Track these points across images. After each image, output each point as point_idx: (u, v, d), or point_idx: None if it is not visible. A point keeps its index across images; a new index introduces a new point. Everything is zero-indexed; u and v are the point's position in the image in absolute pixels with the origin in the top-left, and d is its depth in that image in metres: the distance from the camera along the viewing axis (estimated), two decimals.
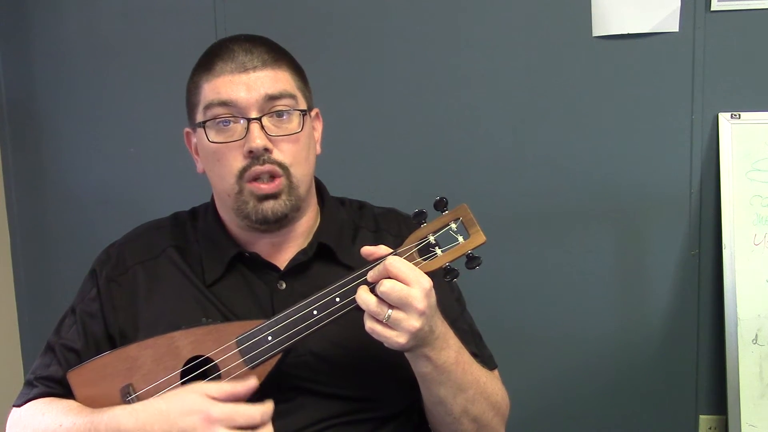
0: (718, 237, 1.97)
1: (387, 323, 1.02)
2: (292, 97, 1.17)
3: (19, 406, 1.19)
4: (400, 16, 2.10)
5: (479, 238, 1.07)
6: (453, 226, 1.07)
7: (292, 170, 1.15)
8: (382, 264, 1.04)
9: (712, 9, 1.94)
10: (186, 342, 1.09)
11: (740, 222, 1.95)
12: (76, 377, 1.14)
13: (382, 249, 1.08)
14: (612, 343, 2.08)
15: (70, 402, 1.15)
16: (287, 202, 1.15)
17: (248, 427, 1.02)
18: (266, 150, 1.13)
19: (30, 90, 2.32)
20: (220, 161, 1.15)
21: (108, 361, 1.13)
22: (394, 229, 1.28)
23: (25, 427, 1.15)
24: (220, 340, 1.08)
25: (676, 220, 2.02)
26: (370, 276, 1.04)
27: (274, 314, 1.08)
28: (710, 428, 2.05)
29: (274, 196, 1.14)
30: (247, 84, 1.14)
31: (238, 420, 1.02)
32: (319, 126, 1.27)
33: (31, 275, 2.39)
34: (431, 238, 1.07)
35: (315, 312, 1.06)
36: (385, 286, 1.01)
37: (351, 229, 1.27)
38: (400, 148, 2.13)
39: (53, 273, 2.36)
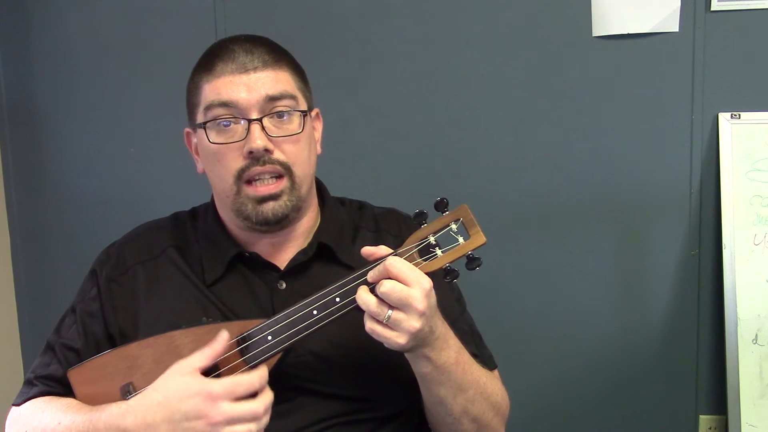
0: (718, 237, 1.97)
1: (387, 324, 1.02)
2: (293, 97, 1.17)
3: (18, 405, 1.19)
4: (400, 16, 2.10)
5: (479, 239, 1.07)
6: (453, 226, 1.07)
7: (294, 170, 1.16)
8: (382, 264, 1.04)
9: (712, 9, 1.94)
10: (186, 341, 1.09)
11: (740, 222, 1.95)
12: (76, 376, 1.14)
13: (383, 249, 1.08)
14: (612, 343, 2.08)
15: (70, 400, 1.15)
16: (288, 203, 1.15)
17: (249, 396, 1.02)
18: (267, 151, 1.13)
19: (30, 90, 2.32)
20: (220, 162, 1.15)
21: (108, 359, 1.13)
22: (394, 229, 1.28)
23: (24, 426, 1.15)
24: None
25: (676, 220, 2.02)
26: (371, 276, 1.04)
27: (274, 314, 1.08)
28: (710, 428, 2.05)
29: (274, 197, 1.14)
30: (248, 85, 1.14)
31: (238, 391, 1.01)
32: (319, 126, 1.27)
33: (31, 275, 2.39)
34: (431, 239, 1.07)
35: (315, 312, 1.06)
36: (386, 287, 1.01)
37: (351, 229, 1.27)
38: (400, 148, 2.13)
39: (53, 273, 2.36)
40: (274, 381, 1.07)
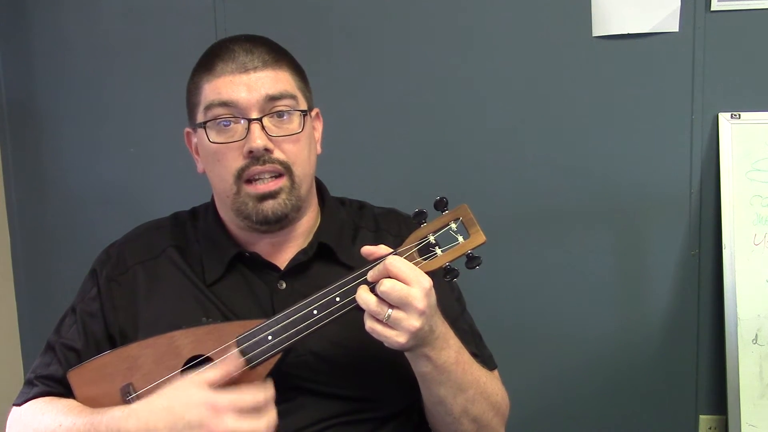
0: (718, 237, 1.97)
1: (387, 323, 1.02)
2: (293, 97, 1.17)
3: (19, 405, 1.19)
4: (400, 16, 2.09)
5: (479, 237, 1.07)
6: (453, 225, 1.07)
7: (294, 170, 1.16)
8: (382, 263, 1.04)
9: (712, 9, 1.94)
10: (186, 341, 1.09)
11: (740, 222, 1.95)
12: (76, 377, 1.14)
13: (383, 249, 1.08)
14: (612, 343, 2.08)
15: (70, 401, 1.15)
16: (287, 202, 1.15)
17: (254, 411, 1.02)
18: (267, 150, 1.13)
19: (30, 90, 2.32)
20: (220, 161, 1.15)
21: (108, 360, 1.13)
22: (394, 229, 1.28)
23: (25, 427, 1.15)
24: (221, 340, 1.08)
25: (676, 220, 2.02)
26: (370, 276, 1.04)
27: (274, 314, 1.08)
28: (710, 428, 2.05)
29: (272, 195, 1.14)
30: (248, 84, 1.14)
31: (243, 405, 1.01)
32: (319, 126, 1.27)
33: (31, 275, 2.39)
34: (431, 238, 1.07)
35: (315, 312, 1.06)
36: (385, 286, 1.01)
37: (351, 229, 1.27)
38: (400, 148, 2.13)
39: (53, 273, 2.36)
40: (274, 381, 1.07)
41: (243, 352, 1.07)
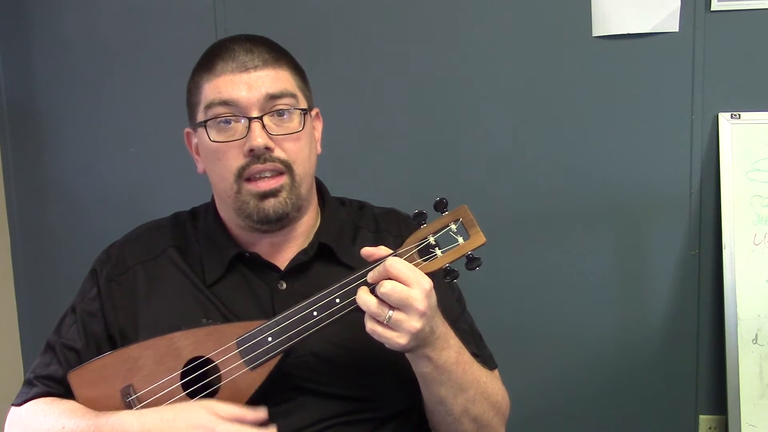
0: (718, 237, 1.97)
1: (388, 324, 1.02)
2: (293, 96, 1.17)
3: (18, 405, 1.19)
4: (400, 16, 2.09)
5: (479, 239, 1.06)
6: (453, 227, 1.07)
7: (295, 168, 1.16)
8: (382, 265, 1.04)
9: (712, 9, 1.94)
10: (186, 343, 1.09)
11: (740, 222, 1.95)
12: (76, 378, 1.14)
13: (383, 250, 1.08)
14: (612, 343, 2.08)
15: (72, 403, 1.15)
16: (288, 201, 1.15)
17: None
18: (267, 149, 1.13)
19: (30, 90, 2.32)
20: (220, 160, 1.15)
21: (108, 361, 1.13)
22: (394, 229, 1.28)
23: (26, 428, 1.15)
24: (221, 341, 1.08)
25: (676, 220, 2.02)
26: (370, 277, 1.04)
27: (274, 314, 1.08)
28: (710, 428, 2.05)
29: (273, 193, 1.14)
30: (248, 83, 1.14)
31: None
32: (319, 126, 1.27)
33: (31, 275, 2.39)
34: (431, 239, 1.07)
35: (315, 313, 1.06)
36: (386, 287, 1.01)
37: (351, 230, 1.27)
38: (400, 148, 2.13)
39: (53, 273, 2.36)
40: (274, 381, 1.07)
41: (243, 353, 1.07)
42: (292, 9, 2.13)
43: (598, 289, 2.08)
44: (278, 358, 1.07)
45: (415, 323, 1.02)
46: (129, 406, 1.10)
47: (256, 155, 1.13)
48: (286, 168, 1.15)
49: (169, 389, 1.09)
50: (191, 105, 1.20)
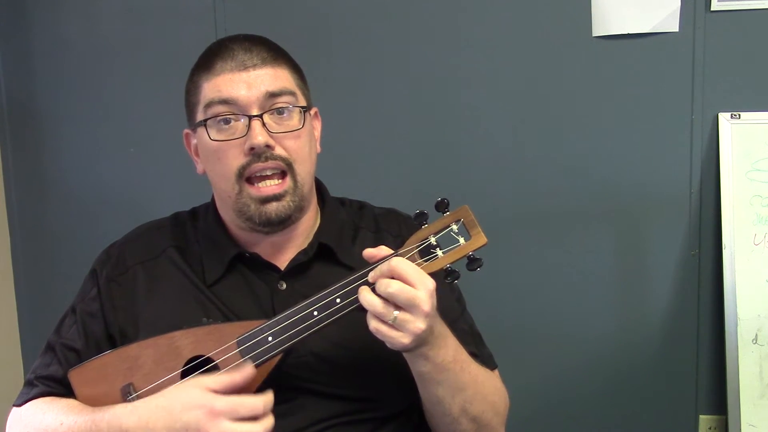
0: (718, 237, 1.98)
1: (393, 324, 1.02)
2: (292, 94, 1.17)
3: (19, 405, 1.19)
4: (400, 16, 2.09)
5: (480, 239, 1.06)
6: (454, 227, 1.07)
7: (296, 167, 1.16)
8: (386, 263, 1.03)
9: (712, 9, 1.94)
10: (187, 342, 1.09)
11: (740, 222, 1.95)
12: (77, 376, 1.14)
13: (384, 251, 1.07)
14: (612, 343, 2.08)
15: (71, 401, 1.15)
16: (291, 203, 1.15)
17: (251, 418, 1.02)
18: (268, 146, 1.13)
19: (30, 90, 2.32)
20: (220, 160, 1.15)
21: (109, 360, 1.13)
22: (395, 229, 1.28)
23: (26, 427, 1.15)
24: (221, 340, 1.08)
25: (676, 220, 2.02)
26: (372, 276, 1.04)
27: (274, 314, 1.08)
28: (710, 428, 2.05)
29: (277, 197, 1.14)
30: (248, 82, 1.14)
31: (241, 411, 1.02)
32: (318, 125, 1.27)
33: (31, 275, 2.39)
34: (432, 240, 1.07)
35: (315, 313, 1.06)
36: (394, 288, 1.01)
37: (351, 230, 1.27)
38: (400, 148, 2.13)
39: (53, 273, 2.36)
40: (274, 381, 1.07)
41: (243, 353, 1.07)
42: (292, 9, 2.13)
43: (598, 289, 2.08)
44: (278, 357, 1.07)
45: (420, 324, 1.01)
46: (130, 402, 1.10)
47: (257, 153, 1.13)
48: (288, 166, 1.15)
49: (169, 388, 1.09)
50: (190, 105, 1.20)
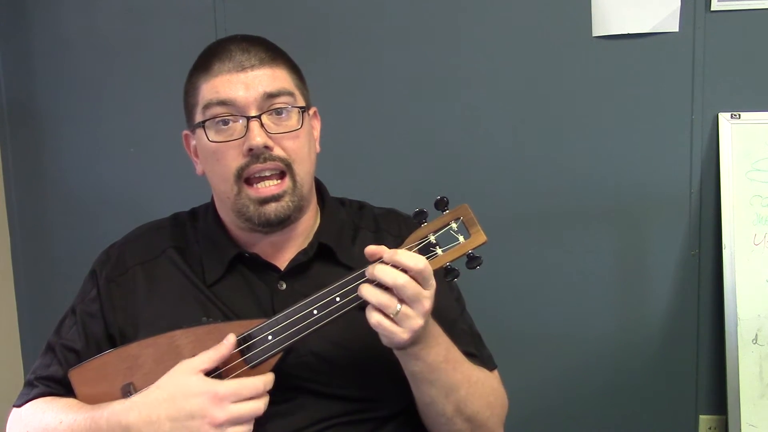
0: (718, 237, 1.98)
1: (394, 319, 1.02)
2: (291, 94, 1.17)
3: (19, 406, 1.19)
4: (400, 16, 2.10)
5: (480, 237, 1.06)
6: (454, 225, 1.07)
7: (295, 167, 1.15)
8: (392, 252, 1.03)
9: (712, 9, 1.94)
10: (187, 341, 1.09)
11: (740, 222, 1.95)
12: (77, 376, 1.14)
13: (386, 250, 1.07)
14: (612, 343, 2.08)
15: (71, 400, 1.15)
16: (290, 204, 1.15)
17: (253, 398, 1.03)
18: (267, 147, 1.12)
19: (30, 90, 2.32)
20: (219, 161, 1.15)
21: (109, 359, 1.13)
22: (394, 229, 1.28)
23: (25, 426, 1.15)
24: (221, 340, 1.08)
25: (676, 220, 2.02)
26: (375, 269, 1.03)
27: (274, 314, 1.08)
28: (710, 428, 2.05)
29: (275, 198, 1.14)
30: (246, 83, 1.14)
31: (244, 393, 1.02)
32: (317, 125, 1.27)
33: (31, 275, 2.39)
34: (432, 238, 1.07)
35: (315, 312, 1.06)
36: (402, 280, 1.00)
37: (351, 230, 1.27)
38: (400, 148, 2.13)
39: (53, 273, 2.36)
40: (274, 381, 1.07)
41: (243, 352, 1.07)
42: (291, 9, 2.14)
43: (598, 289, 2.08)
44: (278, 357, 1.07)
45: (419, 320, 1.02)
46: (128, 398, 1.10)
47: (256, 154, 1.13)
48: (287, 167, 1.15)
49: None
50: (189, 106, 1.20)
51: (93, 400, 1.12)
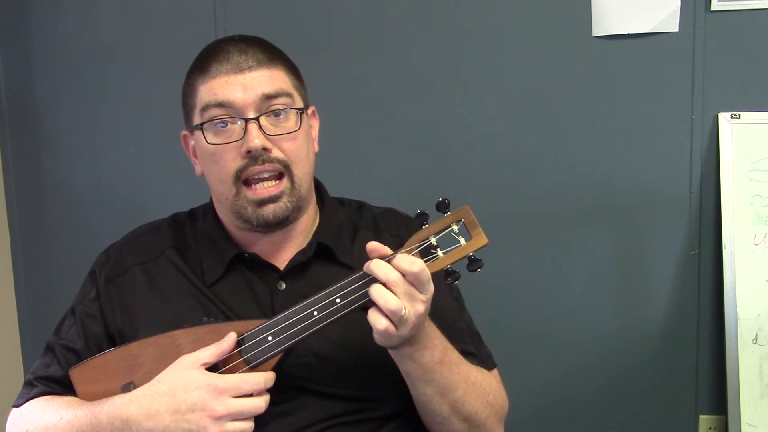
0: (718, 237, 1.97)
1: (395, 321, 1.02)
2: (289, 95, 1.17)
3: (18, 406, 1.19)
4: (400, 16, 2.09)
5: (481, 240, 1.06)
6: (455, 227, 1.06)
7: (293, 168, 1.15)
8: (401, 255, 1.03)
9: (712, 9, 1.94)
10: (187, 341, 1.09)
11: (740, 222, 1.95)
12: (78, 374, 1.15)
13: (387, 250, 1.07)
14: (612, 343, 2.08)
15: (71, 398, 1.15)
16: (288, 204, 1.15)
17: (254, 395, 1.04)
18: (265, 149, 1.13)
19: (30, 90, 2.32)
20: (218, 163, 1.15)
21: (110, 358, 1.13)
22: (393, 229, 1.28)
23: (25, 425, 1.15)
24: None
25: (676, 220, 2.02)
26: (369, 264, 1.04)
27: (274, 314, 1.08)
28: (710, 428, 2.05)
29: (273, 199, 1.14)
30: (243, 84, 1.13)
31: (244, 387, 1.03)
32: (316, 124, 1.27)
33: (31, 275, 2.38)
34: (433, 240, 1.07)
35: (315, 313, 1.06)
36: (395, 276, 1.01)
37: (350, 230, 1.27)
38: (400, 148, 2.13)
39: (53, 273, 2.36)
40: (275, 381, 1.07)
41: (243, 352, 1.07)
42: (291, 9, 2.13)
43: (598, 289, 2.08)
44: (278, 357, 1.07)
45: (411, 324, 1.02)
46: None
47: (254, 156, 1.13)
48: (285, 168, 1.15)
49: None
50: (187, 107, 1.20)
51: (94, 398, 1.12)
